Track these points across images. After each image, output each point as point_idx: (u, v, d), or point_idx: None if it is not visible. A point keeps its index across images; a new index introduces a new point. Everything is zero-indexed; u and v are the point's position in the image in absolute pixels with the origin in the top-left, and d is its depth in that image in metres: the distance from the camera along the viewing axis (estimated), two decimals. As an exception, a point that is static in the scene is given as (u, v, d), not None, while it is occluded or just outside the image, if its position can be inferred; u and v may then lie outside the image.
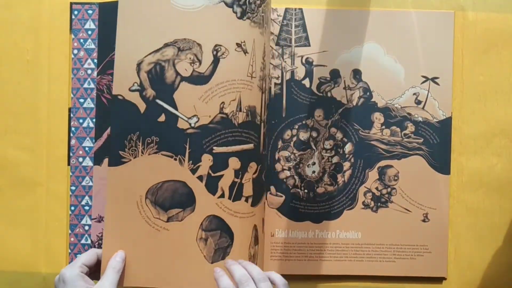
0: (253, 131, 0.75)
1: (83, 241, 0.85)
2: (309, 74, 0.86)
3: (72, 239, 0.85)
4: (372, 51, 0.87)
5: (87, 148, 0.85)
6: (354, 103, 0.86)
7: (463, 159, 0.87)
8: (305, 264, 0.86)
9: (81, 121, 0.86)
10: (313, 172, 0.86)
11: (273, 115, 0.86)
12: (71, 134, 0.86)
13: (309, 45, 0.86)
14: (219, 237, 0.73)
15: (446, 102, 0.86)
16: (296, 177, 0.86)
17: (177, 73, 0.72)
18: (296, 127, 0.86)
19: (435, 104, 0.86)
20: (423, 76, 0.86)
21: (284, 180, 0.86)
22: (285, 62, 0.86)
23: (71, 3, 0.86)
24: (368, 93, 0.86)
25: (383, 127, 0.87)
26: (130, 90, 0.72)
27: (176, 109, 0.72)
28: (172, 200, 0.72)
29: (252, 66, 0.74)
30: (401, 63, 0.86)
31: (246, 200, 0.75)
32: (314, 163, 0.86)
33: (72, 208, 0.85)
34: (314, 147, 0.86)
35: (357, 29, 0.87)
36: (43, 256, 0.85)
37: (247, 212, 0.75)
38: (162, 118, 0.72)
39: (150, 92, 0.72)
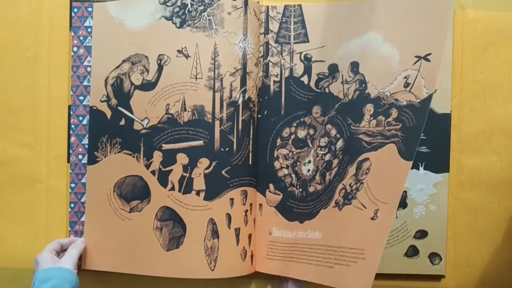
0: (202, 128, 0.82)
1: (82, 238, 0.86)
2: (307, 70, 0.86)
3: (71, 236, 0.86)
4: (370, 41, 0.83)
5: (86, 146, 0.85)
6: (350, 97, 0.84)
7: (462, 157, 0.87)
8: (285, 265, 0.84)
9: (80, 118, 0.86)
10: (308, 170, 0.85)
11: (272, 113, 0.86)
12: (71, 132, 0.86)
13: (308, 41, 0.86)
14: (172, 227, 0.82)
15: (433, 79, 0.77)
16: (293, 175, 0.86)
17: (132, 83, 0.84)
18: (295, 124, 0.86)
19: (422, 83, 0.78)
20: (416, 56, 0.79)
21: (282, 178, 0.86)
22: (284, 59, 0.86)
23: (71, 1, 0.86)
24: (363, 85, 0.83)
25: (371, 118, 0.81)
26: (100, 101, 0.85)
27: (132, 113, 0.84)
28: (133, 192, 0.84)
29: (196, 68, 0.82)
30: (397, 48, 0.81)
31: (198, 194, 0.82)
32: (309, 161, 0.85)
33: (72, 205, 0.86)
34: (310, 145, 0.86)
35: (355, 21, 0.84)
36: (43, 253, 0.86)
37: (199, 205, 0.82)
38: (122, 122, 0.84)
39: (114, 101, 0.85)
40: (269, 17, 0.86)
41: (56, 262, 0.77)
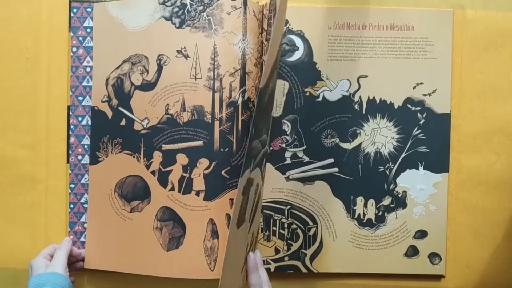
0: (201, 129, 0.82)
1: (82, 239, 0.85)
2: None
3: (71, 236, 0.86)
4: None
5: (86, 146, 0.85)
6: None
7: (462, 157, 0.87)
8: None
9: (80, 119, 0.86)
10: None
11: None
12: (70, 132, 0.86)
13: None
14: (172, 227, 0.82)
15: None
16: None
17: (132, 83, 0.84)
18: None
19: None
20: None
21: None
22: None
23: (70, 1, 0.86)
24: None
25: None
26: (102, 101, 0.85)
27: (132, 114, 0.84)
28: (133, 193, 0.84)
29: (196, 68, 0.81)
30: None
31: (198, 194, 0.82)
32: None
33: (71, 205, 0.86)
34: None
35: None
36: (42, 253, 0.86)
37: (199, 205, 0.82)
38: (123, 122, 0.84)
39: (114, 102, 0.85)
40: (263, 16, 0.85)
41: (48, 266, 0.78)
